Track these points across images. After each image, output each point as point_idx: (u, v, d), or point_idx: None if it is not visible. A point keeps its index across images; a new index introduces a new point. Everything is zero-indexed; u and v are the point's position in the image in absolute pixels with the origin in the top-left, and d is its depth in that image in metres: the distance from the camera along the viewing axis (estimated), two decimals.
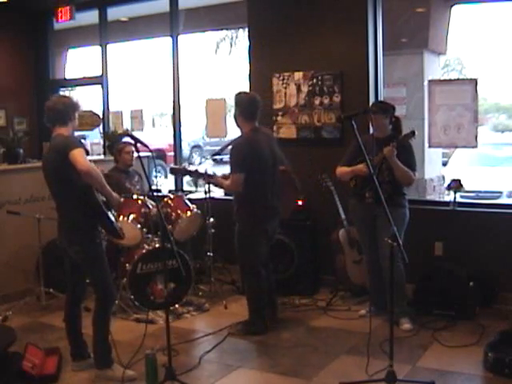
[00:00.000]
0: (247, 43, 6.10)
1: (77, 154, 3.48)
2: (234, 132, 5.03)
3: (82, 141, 4.01)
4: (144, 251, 5.00)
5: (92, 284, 3.83)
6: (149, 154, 3.79)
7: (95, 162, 3.88)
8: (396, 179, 4.44)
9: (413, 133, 4.34)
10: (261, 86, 5.75)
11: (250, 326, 4.56)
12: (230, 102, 5.34)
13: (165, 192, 6.34)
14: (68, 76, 8.82)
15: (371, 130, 4.85)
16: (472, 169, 9.26)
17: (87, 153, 3.62)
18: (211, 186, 5.25)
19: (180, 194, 5.79)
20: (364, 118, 4.58)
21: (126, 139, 5.38)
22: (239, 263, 4.68)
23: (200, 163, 15.20)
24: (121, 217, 4.99)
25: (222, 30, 12.71)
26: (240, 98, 4.50)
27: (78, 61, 10.22)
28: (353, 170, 4.52)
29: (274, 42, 5.83)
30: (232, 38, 14.56)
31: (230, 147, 4.49)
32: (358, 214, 4.75)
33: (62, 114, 3.67)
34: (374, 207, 4.38)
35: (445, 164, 10.48)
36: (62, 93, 8.32)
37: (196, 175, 4.82)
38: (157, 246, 5.04)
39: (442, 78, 10.27)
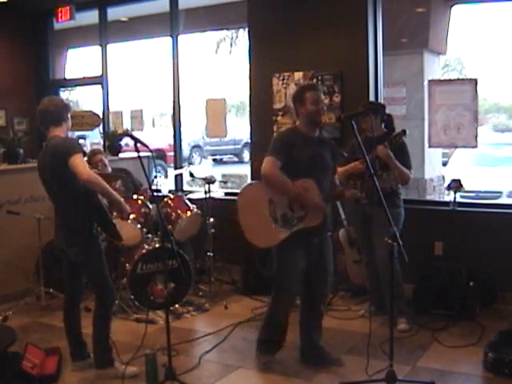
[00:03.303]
0: (247, 43, 6.10)
1: (77, 161, 3.45)
2: (233, 132, 5.01)
3: (81, 141, 4.00)
4: (144, 251, 5.00)
5: (92, 285, 3.83)
6: (149, 154, 3.78)
7: None
8: (391, 178, 4.42)
9: (404, 132, 4.30)
10: (261, 86, 5.75)
11: None
12: (230, 102, 5.33)
13: (165, 192, 6.34)
14: (68, 76, 8.80)
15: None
16: (472, 169, 9.26)
17: (84, 154, 3.60)
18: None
19: (180, 193, 5.79)
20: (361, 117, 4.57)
21: (126, 139, 5.39)
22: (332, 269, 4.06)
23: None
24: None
25: (222, 30, 12.70)
26: None
27: (78, 61, 10.22)
28: (347, 168, 4.48)
29: (274, 42, 5.83)
30: (232, 38, 14.55)
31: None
32: (354, 215, 4.75)
33: (55, 115, 3.65)
34: (369, 208, 4.38)
35: (445, 164, 10.49)
36: (61, 93, 8.35)
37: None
38: (157, 245, 5.04)
39: (442, 78, 10.27)
